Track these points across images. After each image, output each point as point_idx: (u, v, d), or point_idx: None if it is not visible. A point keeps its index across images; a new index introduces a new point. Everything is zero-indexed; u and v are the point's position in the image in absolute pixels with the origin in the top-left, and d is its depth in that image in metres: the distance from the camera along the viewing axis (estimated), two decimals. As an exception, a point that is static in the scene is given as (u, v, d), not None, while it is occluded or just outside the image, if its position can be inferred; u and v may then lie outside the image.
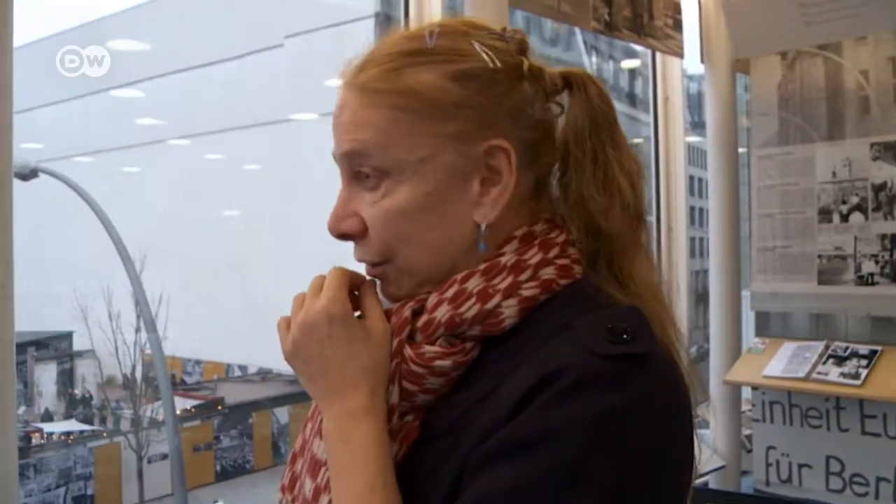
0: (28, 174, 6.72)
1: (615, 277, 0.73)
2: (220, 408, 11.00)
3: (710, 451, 2.60)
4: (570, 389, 0.62)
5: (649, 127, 3.02)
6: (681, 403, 0.68)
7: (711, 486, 2.53)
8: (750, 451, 2.53)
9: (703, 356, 2.96)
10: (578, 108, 0.75)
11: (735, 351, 2.60)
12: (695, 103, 3.40)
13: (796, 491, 2.30)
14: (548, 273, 0.71)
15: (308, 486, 0.73)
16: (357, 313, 0.73)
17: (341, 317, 0.71)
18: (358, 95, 0.72)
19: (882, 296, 2.21)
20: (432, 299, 0.71)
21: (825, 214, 2.31)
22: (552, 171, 0.77)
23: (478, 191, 0.71)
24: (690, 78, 3.36)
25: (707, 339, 2.76)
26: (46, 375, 10.56)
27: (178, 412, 9.53)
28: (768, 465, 2.36)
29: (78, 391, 10.85)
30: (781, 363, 2.28)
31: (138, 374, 10.04)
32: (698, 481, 2.44)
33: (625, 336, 0.65)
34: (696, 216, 3.81)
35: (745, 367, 2.40)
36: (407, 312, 0.72)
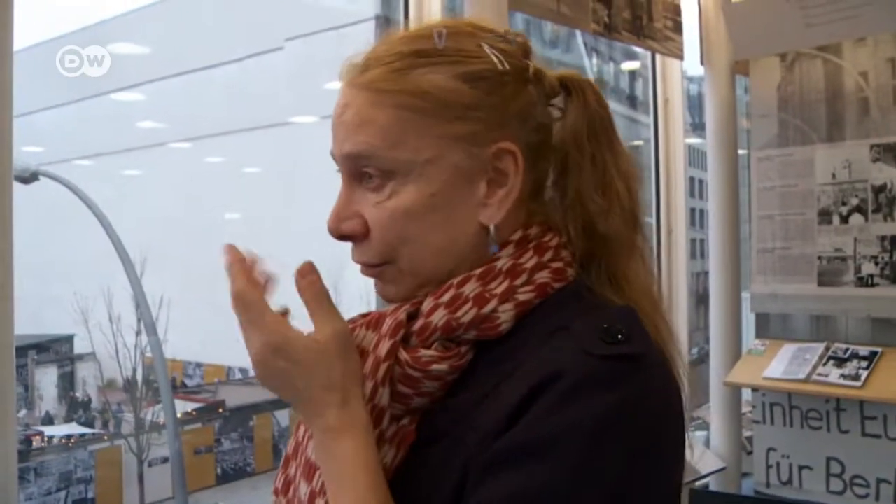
0: (29, 177, 6.72)
1: (609, 279, 0.74)
2: (220, 411, 10.99)
3: (710, 453, 2.60)
4: (569, 392, 0.62)
5: (649, 129, 3.02)
6: (673, 403, 0.68)
7: (712, 488, 2.53)
8: (750, 452, 2.53)
9: (704, 358, 2.96)
10: (577, 112, 0.75)
11: (735, 352, 2.60)
12: (695, 105, 3.40)
13: (797, 493, 2.30)
14: (542, 277, 0.72)
15: (303, 489, 0.72)
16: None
17: (282, 346, 0.69)
18: (363, 95, 0.71)
19: (882, 297, 2.21)
20: (428, 303, 0.71)
21: (825, 216, 2.31)
22: (548, 175, 0.77)
23: (484, 192, 0.71)
24: (690, 80, 3.37)
25: (707, 341, 2.76)
26: (47, 378, 10.56)
27: (178, 415, 9.52)
28: (769, 466, 2.36)
29: (79, 394, 10.85)
30: (782, 365, 2.28)
31: (139, 377, 10.04)
32: (698, 483, 2.44)
33: (619, 336, 0.65)
34: (697, 218, 3.81)
35: (745, 368, 2.40)
36: (402, 316, 0.72)
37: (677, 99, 2.92)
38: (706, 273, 2.77)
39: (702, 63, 2.71)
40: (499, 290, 0.70)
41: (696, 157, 3.85)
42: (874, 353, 2.16)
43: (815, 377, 2.19)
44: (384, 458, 0.70)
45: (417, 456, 0.70)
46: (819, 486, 2.25)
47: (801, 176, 2.35)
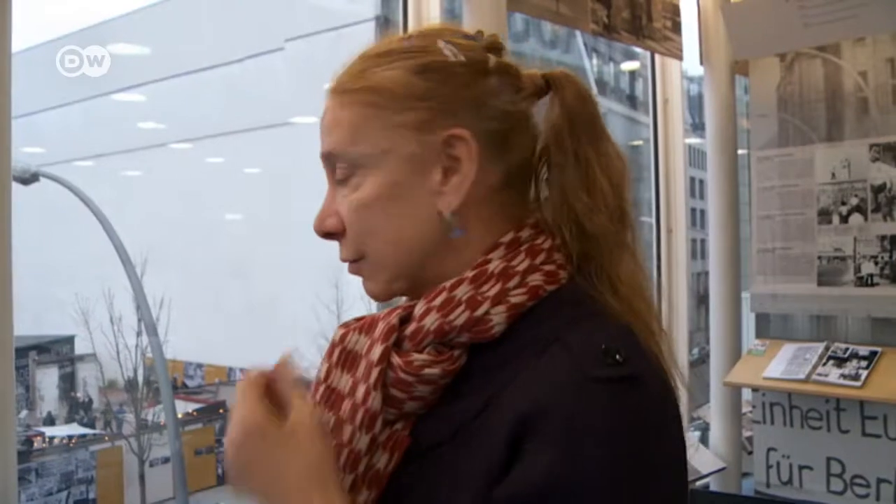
0: (29, 178, 6.72)
1: (602, 279, 0.73)
2: (221, 411, 10.98)
3: (710, 452, 2.60)
4: (571, 427, 0.62)
5: (649, 129, 3.02)
6: (672, 425, 0.68)
7: (712, 488, 2.53)
8: (750, 452, 2.53)
9: (704, 358, 2.96)
10: (556, 108, 0.76)
11: (735, 352, 2.60)
12: (695, 105, 3.40)
13: (797, 493, 2.30)
14: (535, 279, 0.71)
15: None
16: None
17: (258, 428, 0.68)
18: (335, 98, 0.76)
19: (882, 297, 2.21)
20: (420, 307, 0.71)
21: (825, 216, 2.31)
22: (535, 171, 0.77)
23: (439, 180, 0.72)
24: (690, 80, 3.37)
25: (708, 341, 2.76)
26: (48, 379, 10.56)
27: (179, 416, 9.52)
28: (769, 466, 2.36)
29: (80, 395, 10.85)
30: (781, 365, 2.28)
31: (140, 378, 10.04)
32: (699, 483, 2.44)
33: (617, 356, 0.65)
34: (697, 218, 3.82)
35: (745, 368, 2.40)
36: (394, 320, 0.72)
37: (677, 99, 2.92)
38: (706, 273, 2.77)
39: (701, 63, 2.71)
40: (491, 293, 0.70)
41: (695, 157, 3.86)
42: (874, 353, 2.16)
43: (815, 377, 2.19)
44: (377, 464, 0.70)
45: (412, 464, 0.70)
46: (819, 486, 2.25)
47: (800, 176, 2.36)
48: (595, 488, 0.61)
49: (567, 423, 0.62)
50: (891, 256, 2.20)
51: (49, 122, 11.12)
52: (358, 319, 0.78)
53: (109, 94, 11.01)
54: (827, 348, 2.24)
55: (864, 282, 2.24)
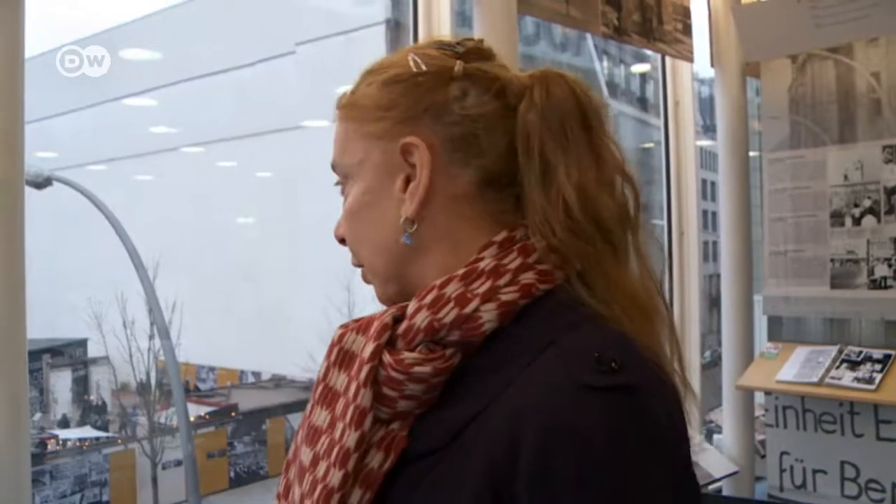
0: (42, 182, 6.76)
1: (590, 284, 0.71)
2: (233, 414, 11.01)
3: (723, 456, 2.59)
4: (569, 445, 0.61)
5: (660, 131, 3.01)
6: (672, 437, 0.67)
7: (725, 492, 2.52)
8: (763, 456, 2.52)
9: (716, 361, 2.95)
10: (525, 109, 0.74)
11: (748, 356, 2.59)
12: (706, 107, 3.39)
13: (811, 497, 2.29)
14: (527, 278, 0.71)
15: (296, 492, 0.74)
16: None
17: None
18: (337, 114, 0.82)
19: (896, 299, 2.20)
20: (412, 306, 0.72)
21: (837, 218, 2.30)
22: (506, 172, 0.75)
23: (400, 186, 0.75)
24: (702, 82, 3.36)
25: (720, 344, 2.75)
26: (61, 382, 10.61)
27: (192, 419, 9.55)
28: (782, 470, 2.35)
29: (93, 398, 10.90)
30: (794, 368, 2.27)
31: (152, 381, 10.08)
32: (711, 487, 2.43)
33: (613, 364, 0.64)
34: (709, 220, 3.80)
35: (757, 371, 2.39)
36: (387, 319, 0.73)
37: (688, 101, 2.91)
38: (718, 276, 2.76)
39: (712, 65, 2.71)
40: (481, 290, 0.70)
41: (707, 160, 3.84)
42: (888, 356, 2.15)
43: (828, 380, 2.18)
44: (370, 463, 0.70)
45: (409, 466, 0.70)
46: (833, 491, 2.24)
47: (812, 178, 2.34)
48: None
49: (558, 434, 0.62)
50: (904, 259, 2.19)
51: (62, 127, 11.20)
52: (357, 320, 0.78)
53: (121, 99, 11.07)
54: (840, 351, 2.23)
55: (877, 284, 2.23)
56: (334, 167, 0.81)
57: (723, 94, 2.66)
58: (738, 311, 2.64)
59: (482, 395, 0.68)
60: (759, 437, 2.64)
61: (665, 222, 2.95)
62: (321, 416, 0.75)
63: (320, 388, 0.76)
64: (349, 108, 0.79)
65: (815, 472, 2.29)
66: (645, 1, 2.45)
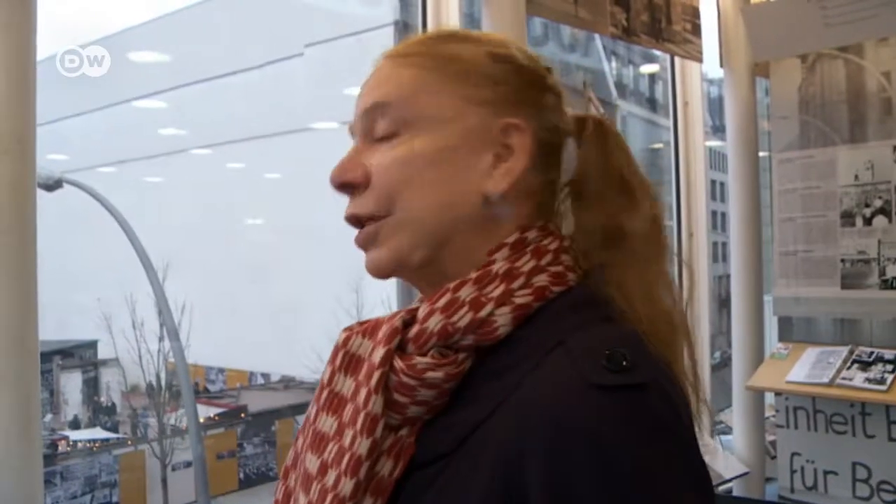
0: (53, 185, 6.80)
1: (615, 287, 0.72)
2: (243, 416, 11.03)
3: (734, 457, 2.58)
4: (579, 447, 0.60)
5: (669, 132, 3.01)
6: (684, 437, 0.66)
7: (735, 493, 2.51)
8: (774, 457, 2.51)
9: (727, 361, 2.94)
10: (598, 148, 0.77)
11: (758, 356, 2.58)
12: (715, 107, 3.38)
13: (822, 498, 2.27)
14: (541, 280, 0.71)
15: (302, 501, 0.71)
16: None
17: None
18: (392, 61, 0.75)
19: (907, 300, 2.19)
20: (424, 309, 0.70)
21: (848, 218, 2.29)
22: (558, 194, 0.77)
23: (490, 162, 0.72)
24: (711, 82, 3.35)
25: (730, 345, 2.74)
26: (72, 383, 10.66)
27: (201, 420, 9.58)
28: (793, 471, 2.34)
29: (103, 399, 10.94)
30: (805, 368, 2.26)
31: (162, 383, 10.12)
32: (722, 488, 2.43)
33: (624, 363, 0.63)
34: (718, 221, 3.79)
35: (768, 372, 2.38)
36: (397, 322, 0.71)
37: (697, 101, 2.91)
38: (728, 276, 2.75)
39: (721, 65, 2.70)
40: (495, 294, 0.69)
41: (716, 160, 3.83)
42: (899, 357, 2.14)
43: (839, 381, 2.17)
44: (381, 470, 0.68)
45: (418, 473, 0.69)
46: (845, 492, 2.23)
47: (822, 178, 2.34)
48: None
49: (568, 435, 0.60)
50: (916, 259, 2.18)
51: (72, 130, 11.25)
52: (361, 323, 0.77)
53: (131, 101, 11.12)
54: (851, 352, 2.22)
55: (888, 284, 2.22)
56: (384, 107, 0.73)
57: (732, 94, 2.65)
58: (748, 312, 2.63)
59: (489, 399, 0.67)
60: (769, 437, 2.63)
61: (674, 223, 2.95)
62: (327, 423, 0.73)
63: (325, 393, 0.74)
64: (438, 59, 0.74)
65: (826, 473, 2.28)
66: (654, 1, 2.44)
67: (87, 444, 9.41)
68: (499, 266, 0.71)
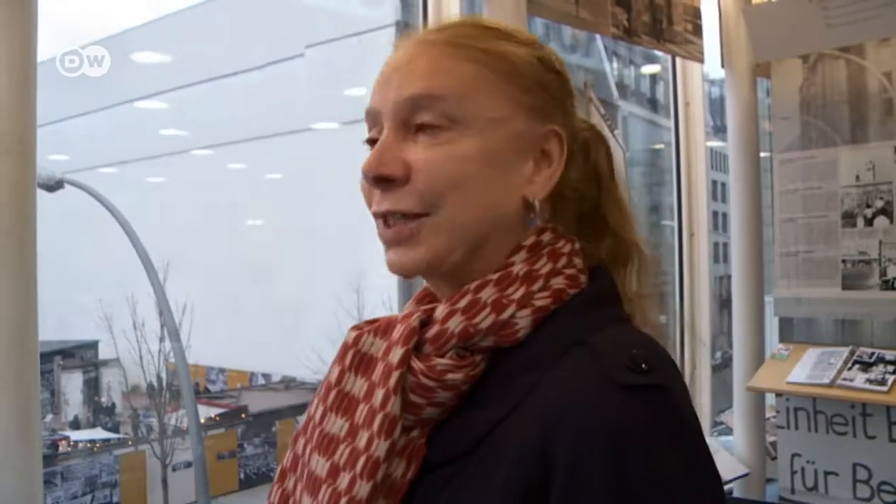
0: (54, 185, 6.80)
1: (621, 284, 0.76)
2: (243, 416, 11.03)
3: (734, 458, 2.57)
4: (607, 446, 0.60)
5: (671, 132, 3.01)
6: (700, 434, 0.67)
7: (736, 494, 2.50)
8: (775, 458, 2.50)
9: (727, 362, 2.94)
10: (601, 154, 0.82)
11: (759, 357, 2.58)
12: (717, 108, 3.38)
13: (823, 499, 2.27)
14: (558, 283, 0.71)
15: (321, 465, 0.70)
16: None
17: None
18: (439, 48, 0.72)
19: (908, 300, 2.18)
20: (442, 310, 0.69)
21: (849, 218, 2.28)
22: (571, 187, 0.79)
23: (532, 168, 0.73)
24: (712, 82, 3.35)
25: (731, 345, 2.74)
26: (73, 384, 10.66)
27: (202, 420, 9.57)
28: (793, 472, 2.34)
29: (104, 399, 10.94)
30: (806, 369, 2.26)
31: (163, 383, 10.12)
32: (723, 489, 2.42)
33: (643, 365, 0.63)
34: (719, 221, 3.79)
35: (768, 373, 2.38)
36: (415, 322, 0.70)
37: (698, 102, 2.91)
38: (729, 277, 2.75)
39: (722, 66, 2.70)
40: (516, 296, 0.69)
41: (717, 161, 3.83)
42: (900, 358, 2.14)
43: (840, 382, 2.17)
44: (394, 473, 0.67)
45: (431, 475, 0.68)
46: (846, 493, 2.23)
47: (824, 178, 2.33)
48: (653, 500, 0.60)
49: (596, 435, 0.60)
50: (917, 259, 2.17)
51: (74, 130, 11.26)
52: (370, 322, 0.75)
53: (132, 102, 11.13)
54: (852, 353, 2.22)
55: (889, 285, 2.21)
56: (434, 100, 0.70)
57: (733, 94, 2.65)
58: (749, 313, 2.63)
59: (505, 399, 0.67)
60: (770, 438, 2.62)
61: (675, 223, 2.95)
62: (337, 424, 0.71)
63: (334, 393, 0.72)
64: (492, 57, 0.72)
65: (826, 473, 2.27)
66: (655, 2, 2.44)
67: (88, 445, 9.40)
68: (518, 268, 0.71)
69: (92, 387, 10.99)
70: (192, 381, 9.68)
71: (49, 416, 9.56)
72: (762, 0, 2.74)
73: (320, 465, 0.70)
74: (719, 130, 3.31)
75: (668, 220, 3.00)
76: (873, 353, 2.18)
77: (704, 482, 0.63)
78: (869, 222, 2.25)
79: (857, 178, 2.27)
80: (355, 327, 0.75)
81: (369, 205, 0.74)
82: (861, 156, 2.26)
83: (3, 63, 1.23)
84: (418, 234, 0.70)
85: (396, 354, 0.69)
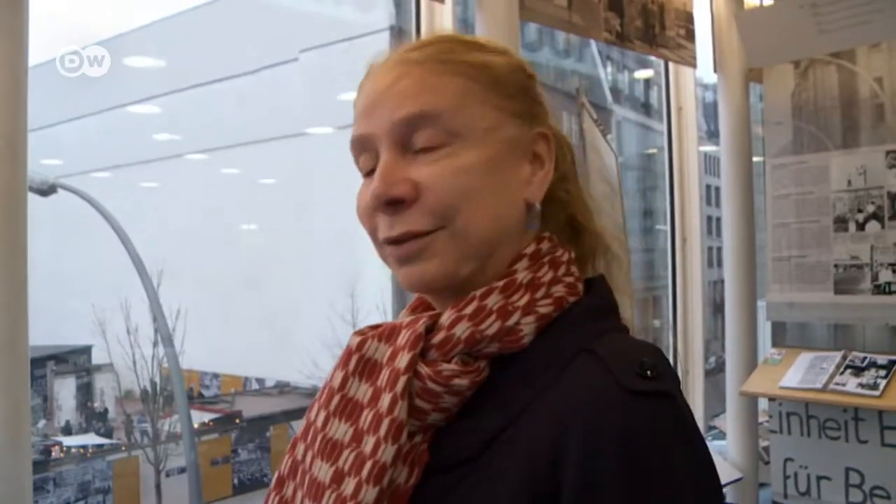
0: (47, 190, 6.77)
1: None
2: (237, 421, 10.98)
3: (727, 462, 2.57)
4: (619, 451, 0.61)
5: (663, 136, 3.01)
6: (703, 443, 0.68)
7: (729, 498, 2.51)
8: (767, 462, 2.51)
9: (720, 367, 2.94)
10: (565, 154, 0.83)
11: (751, 362, 2.58)
12: (709, 112, 3.39)
13: (815, 503, 2.27)
14: (559, 291, 0.72)
15: (324, 471, 0.70)
16: None
17: None
18: (423, 66, 0.72)
19: (900, 305, 2.19)
20: (448, 316, 0.70)
21: (841, 223, 2.29)
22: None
23: (528, 171, 0.75)
24: (705, 87, 3.36)
25: (723, 350, 2.74)
26: (65, 389, 10.61)
27: (196, 426, 9.53)
28: (786, 477, 2.34)
29: (97, 405, 10.90)
30: (798, 374, 2.26)
31: (157, 388, 10.08)
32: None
33: (651, 373, 0.65)
34: (713, 226, 3.80)
35: (761, 378, 2.38)
36: (421, 328, 0.70)
37: (691, 107, 2.92)
38: (722, 281, 2.76)
39: (715, 71, 2.71)
40: (521, 303, 0.70)
41: (710, 165, 3.85)
42: (893, 362, 2.14)
43: (832, 386, 2.17)
44: (398, 478, 0.67)
45: (434, 480, 0.68)
46: (838, 497, 2.23)
47: (816, 183, 2.34)
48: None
49: (608, 439, 0.62)
50: (909, 264, 2.18)
51: (67, 135, 11.23)
52: (373, 327, 0.75)
53: (126, 106, 11.10)
54: (844, 357, 2.22)
55: (881, 290, 2.22)
56: (429, 118, 0.70)
57: (726, 99, 2.66)
58: (742, 317, 2.63)
59: (511, 405, 0.68)
60: (762, 443, 2.63)
61: (668, 228, 2.95)
62: (341, 429, 0.70)
63: (337, 398, 0.72)
64: (473, 68, 0.73)
65: (819, 478, 2.28)
66: (647, 7, 2.45)
67: (81, 450, 9.36)
68: (522, 276, 0.72)
69: (85, 392, 10.94)
70: (186, 387, 9.65)
71: (42, 422, 9.52)
72: (754, 5, 2.75)
73: (323, 471, 0.69)
74: (712, 135, 3.32)
75: (661, 224, 3.00)
76: (865, 358, 2.19)
77: (708, 483, 0.66)
78: (861, 227, 2.26)
79: (849, 182, 2.28)
80: (359, 332, 0.75)
81: (373, 231, 0.74)
82: (852, 160, 2.27)
83: (-6, 66, 1.23)
84: (433, 246, 0.70)
85: (403, 359, 0.69)
